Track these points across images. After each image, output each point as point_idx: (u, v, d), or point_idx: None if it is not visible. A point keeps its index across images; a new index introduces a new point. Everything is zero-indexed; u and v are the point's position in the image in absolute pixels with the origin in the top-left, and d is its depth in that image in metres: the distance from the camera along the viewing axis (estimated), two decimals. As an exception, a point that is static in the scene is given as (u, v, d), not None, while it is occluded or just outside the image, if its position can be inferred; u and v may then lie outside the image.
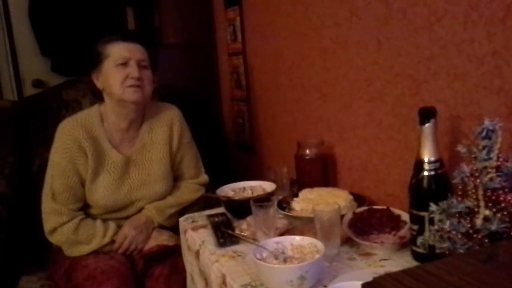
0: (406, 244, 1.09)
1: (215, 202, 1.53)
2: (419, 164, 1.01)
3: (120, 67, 1.47)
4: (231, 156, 2.46)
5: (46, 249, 1.63)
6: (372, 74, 1.36)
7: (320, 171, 1.56)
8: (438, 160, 1.00)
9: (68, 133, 1.51)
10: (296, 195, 1.45)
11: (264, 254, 1.00)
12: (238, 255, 1.16)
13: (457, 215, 0.89)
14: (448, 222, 0.89)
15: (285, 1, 1.79)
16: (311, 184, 1.50)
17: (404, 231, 1.15)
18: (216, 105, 2.57)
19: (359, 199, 1.37)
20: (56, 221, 1.49)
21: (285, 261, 0.97)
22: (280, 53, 1.88)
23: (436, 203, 0.95)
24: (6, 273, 1.59)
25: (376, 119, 1.38)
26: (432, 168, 0.99)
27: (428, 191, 1.00)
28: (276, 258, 0.99)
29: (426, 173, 1.00)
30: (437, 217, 0.94)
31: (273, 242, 1.04)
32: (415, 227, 1.02)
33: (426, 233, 0.99)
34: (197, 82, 2.53)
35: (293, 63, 1.80)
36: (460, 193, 0.90)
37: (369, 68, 1.37)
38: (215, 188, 1.64)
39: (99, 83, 1.53)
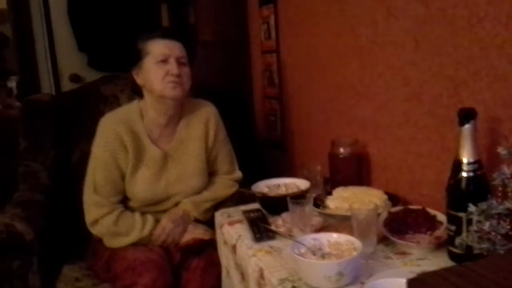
0: (442, 245, 1.10)
1: (249, 197, 1.57)
2: (457, 165, 1.02)
3: (160, 64, 1.51)
4: (261, 152, 2.49)
5: (86, 240, 1.70)
6: (409, 73, 1.37)
7: (354, 170, 1.58)
8: (477, 161, 1.00)
9: (110, 127, 1.57)
10: (330, 193, 1.47)
11: (302, 250, 1.03)
12: (275, 250, 1.19)
13: (496, 217, 0.90)
14: (487, 223, 0.90)
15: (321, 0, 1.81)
16: (345, 183, 1.51)
17: (440, 232, 1.16)
18: (248, 103, 2.60)
19: (393, 198, 1.38)
20: (98, 213, 1.55)
21: (323, 257, 1.00)
22: (315, 51, 1.90)
23: (475, 204, 0.96)
24: (49, 260, 1.66)
25: (412, 119, 1.38)
26: (471, 169, 1.00)
27: (467, 192, 1.00)
28: (314, 254, 1.01)
29: (464, 174, 1.00)
30: (475, 218, 0.95)
31: (311, 239, 1.06)
32: (453, 227, 1.03)
33: (464, 234, 0.99)
34: (229, 79, 2.57)
35: (327, 61, 1.81)
36: (500, 194, 0.91)
37: (406, 67, 1.37)
38: (248, 184, 1.68)
39: (139, 80, 1.58)
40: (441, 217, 1.21)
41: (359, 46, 1.59)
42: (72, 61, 3.45)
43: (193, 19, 2.82)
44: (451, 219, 1.03)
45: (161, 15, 3.64)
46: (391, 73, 1.45)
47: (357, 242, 1.01)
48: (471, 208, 0.95)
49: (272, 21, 2.24)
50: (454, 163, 1.03)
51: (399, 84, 1.41)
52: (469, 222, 0.98)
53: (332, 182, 1.58)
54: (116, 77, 2.24)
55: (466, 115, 1.00)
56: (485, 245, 0.88)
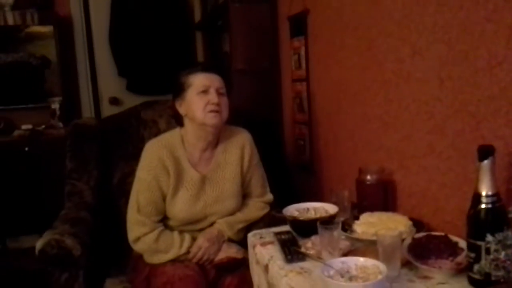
0: (462, 270, 1.17)
1: (279, 220, 1.67)
2: (477, 197, 1.10)
3: (201, 94, 1.65)
4: (290, 176, 2.59)
5: (127, 255, 1.82)
6: (434, 108, 1.46)
7: (380, 196, 1.66)
8: (495, 195, 1.08)
9: (154, 153, 1.70)
10: (357, 218, 1.55)
11: (331, 272, 1.12)
12: (305, 271, 1.28)
13: (512, 247, 0.98)
14: (503, 253, 0.98)
15: (350, 35, 1.92)
16: (371, 208, 1.60)
17: (461, 258, 1.23)
18: (278, 127, 2.72)
19: (418, 224, 1.46)
20: (140, 231, 1.68)
21: (350, 279, 1.09)
22: (343, 82, 2.01)
23: (493, 235, 1.04)
24: (93, 274, 1.79)
25: (436, 150, 1.47)
26: (489, 201, 1.08)
27: (485, 222, 1.08)
28: (342, 277, 1.11)
29: (483, 205, 1.08)
30: (493, 247, 1.03)
31: (339, 262, 1.16)
32: (472, 254, 1.10)
33: (483, 261, 1.07)
34: (261, 105, 2.70)
35: (355, 92, 1.92)
36: (515, 226, 0.99)
37: (431, 102, 1.47)
38: (278, 206, 1.78)
39: (181, 110, 1.72)
40: (463, 244, 1.28)
41: (386, 80, 1.70)
42: (112, 85, 3.66)
43: (227, 47, 2.98)
44: (471, 247, 1.11)
45: (195, 43, 3.83)
46: (416, 106, 1.54)
47: (382, 266, 1.10)
48: (489, 238, 1.04)
49: (302, 52, 2.37)
50: (474, 195, 1.11)
51: (423, 118, 1.51)
52: (487, 250, 1.06)
53: (359, 207, 1.67)
54: (156, 102, 2.38)
55: (485, 152, 1.08)
56: (500, 273, 0.96)
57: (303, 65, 2.38)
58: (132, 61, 3.59)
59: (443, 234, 1.34)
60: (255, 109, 2.60)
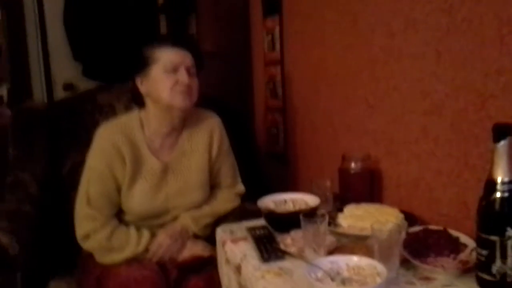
0: (469, 270, 1.01)
1: (252, 213, 1.47)
2: (491, 185, 0.93)
3: (169, 73, 1.43)
4: (262, 166, 2.39)
5: (76, 254, 1.59)
6: (429, 86, 1.29)
7: (366, 186, 1.49)
8: (513, 181, 0.92)
9: (107, 138, 1.47)
10: (341, 210, 1.37)
11: (319, 274, 0.93)
12: (285, 273, 1.08)
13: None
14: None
15: (331, 9, 1.74)
16: (356, 200, 1.43)
17: (465, 255, 1.07)
18: (249, 116, 2.52)
19: (409, 218, 1.29)
20: (90, 227, 1.44)
21: (343, 283, 0.90)
22: (323, 62, 1.82)
23: (514, 228, 0.87)
24: (34, 275, 1.55)
25: (431, 134, 1.30)
26: (506, 189, 0.91)
27: (502, 214, 0.92)
28: (333, 280, 0.92)
29: (499, 194, 0.92)
30: (514, 242, 0.86)
31: (328, 261, 0.97)
32: (484, 252, 0.93)
33: (499, 260, 0.90)
34: (230, 91, 2.49)
35: (337, 73, 1.74)
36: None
37: (426, 80, 1.30)
38: (249, 199, 1.59)
39: (143, 88, 1.49)
40: (465, 239, 1.13)
41: (372, 58, 1.52)
42: (66, 70, 3.36)
43: (193, 29, 2.75)
44: (482, 243, 0.94)
45: (159, 25, 3.57)
46: (408, 85, 1.37)
47: (380, 267, 0.92)
48: (510, 232, 0.87)
49: (277, 33, 2.17)
50: (487, 182, 0.94)
51: (417, 98, 1.34)
52: (504, 246, 0.90)
53: (342, 198, 1.49)
54: (113, 86, 2.16)
55: (502, 131, 0.92)
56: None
57: (277, 46, 2.18)
58: (89, 44, 3.30)
59: (441, 228, 1.18)
60: (223, 96, 2.39)
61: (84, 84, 3.25)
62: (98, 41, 3.27)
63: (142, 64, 1.47)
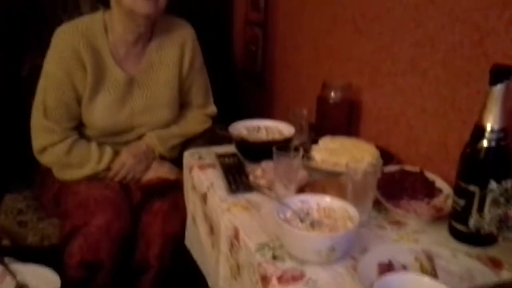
0: (442, 217, 0.97)
1: (223, 138, 1.39)
2: (479, 131, 0.86)
3: (132, -30, 1.25)
4: (238, 86, 2.27)
5: (34, 166, 1.49)
6: (424, 14, 1.17)
7: (344, 118, 1.41)
8: (503, 130, 0.85)
9: (66, 40, 1.31)
10: (316, 142, 1.30)
11: (288, 214, 0.87)
12: (253, 206, 1.03)
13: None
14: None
15: None
16: (332, 131, 1.35)
17: (439, 201, 1.03)
18: (226, 27, 2.34)
19: (385, 155, 1.24)
20: (47, 139, 1.34)
21: (312, 225, 0.85)
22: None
23: (498, 181, 0.82)
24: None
25: (420, 68, 1.20)
26: (494, 137, 0.85)
27: (486, 164, 0.86)
28: (302, 221, 0.86)
29: (486, 142, 0.85)
30: (495, 196, 0.82)
31: (298, 200, 0.91)
32: (461, 201, 0.89)
33: (475, 212, 0.86)
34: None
35: (325, -12, 1.58)
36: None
37: (421, 6, 1.17)
38: (221, 122, 1.50)
39: (105, -14, 1.31)
40: (440, 183, 1.09)
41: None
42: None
43: None
44: (461, 192, 0.89)
45: None
46: (402, 9, 1.24)
47: (352, 210, 0.86)
48: (492, 185, 0.82)
49: None
50: (474, 128, 0.87)
51: (410, 25, 1.22)
52: (483, 199, 0.85)
53: (318, 129, 1.42)
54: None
55: (501, 74, 0.83)
56: (495, 230, 0.76)
57: (262, -50, 1.97)
58: None
59: (417, 170, 1.12)
60: (197, 2, 2.18)
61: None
62: None
63: None
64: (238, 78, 2.28)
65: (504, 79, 0.83)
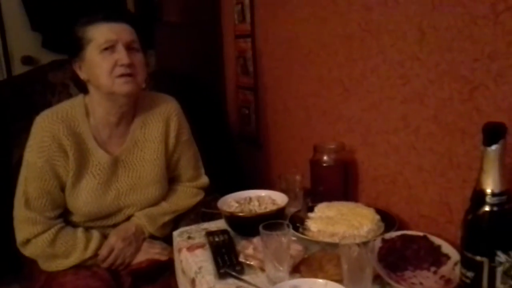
0: (451, 289, 0.88)
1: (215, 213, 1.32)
2: (479, 196, 0.78)
3: (106, 53, 1.23)
4: (235, 149, 2.23)
5: (22, 258, 1.42)
6: (411, 70, 1.13)
7: (339, 180, 1.35)
8: (505, 192, 0.77)
9: (46, 128, 1.28)
10: (311, 209, 1.23)
11: (278, 304, 0.79)
12: (243, 292, 0.95)
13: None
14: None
15: (304, -23, 1.54)
16: (328, 195, 1.29)
17: (447, 270, 0.94)
18: (219, 92, 2.33)
19: (387, 219, 1.16)
20: (30, 231, 1.27)
21: (304, 317, 0.76)
22: (296, 38, 1.64)
23: (506, 252, 0.73)
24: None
25: (412, 124, 1.15)
26: (496, 202, 0.77)
27: (490, 232, 0.77)
28: (293, 312, 0.77)
29: (488, 208, 0.77)
30: (507, 268, 0.73)
31: (289, 287, 0.82)
32: (469, 274, 0.80)
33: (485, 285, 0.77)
34: (198, 65, 2.29)
35: (310, 50, 1.56)
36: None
37: (407, 63, 1.13)
38: (217, 188, 1.44)
39: (82, 74, 1.30)
40: (446, 247, 1.00)
41: (349, 34, 1.35)
42: (24, 42, 3.11)
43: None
44: (468, 264, 0.80)
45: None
46: (388, 68, 1.20)
47: (348, 295, 0.78)
48: (501, 257, 0.73)
49: (247, 2, 1.97)
50: (474, 192, 0.80)
51: (397, 82, 1.17)
52: (492, 271, 0.76)
53: (313, 194, 1.35)
54: (67, 61, 1.94)
55: (495, 133, 0.76)
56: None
57: (248, 17, 1.98)
58: (48, 13, 3.04)
59: (421, 234, 1.04)
60: (191, 71, 2.19)
61: (45, 57, 3.01)
62: (58, 9, 3.02)
63: (76, 47, 1.27)
64: (235, 142, 2.24)
65: (499, 139, 0.76)
